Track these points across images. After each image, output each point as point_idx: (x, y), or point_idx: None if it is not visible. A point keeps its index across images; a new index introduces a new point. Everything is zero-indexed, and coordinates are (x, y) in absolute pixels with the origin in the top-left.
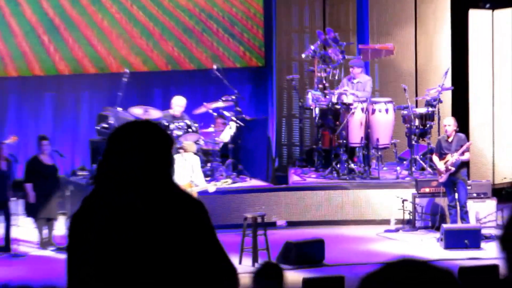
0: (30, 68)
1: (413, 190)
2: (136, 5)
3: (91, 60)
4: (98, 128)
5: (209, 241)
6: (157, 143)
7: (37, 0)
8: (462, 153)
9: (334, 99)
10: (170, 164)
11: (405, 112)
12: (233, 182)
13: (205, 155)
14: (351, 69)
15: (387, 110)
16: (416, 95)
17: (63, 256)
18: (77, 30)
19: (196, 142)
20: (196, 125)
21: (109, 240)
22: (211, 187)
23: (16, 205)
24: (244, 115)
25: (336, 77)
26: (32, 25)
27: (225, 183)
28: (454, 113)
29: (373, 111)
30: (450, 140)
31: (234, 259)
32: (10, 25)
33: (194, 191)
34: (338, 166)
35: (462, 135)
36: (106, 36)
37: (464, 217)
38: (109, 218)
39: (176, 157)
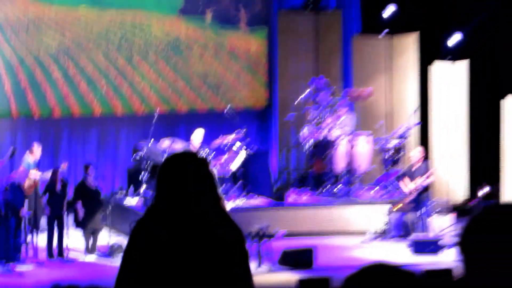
0: (73, 111)
1: (387, 207)
2: (160, 55)
3: (128, 103)
4: (133, 158)
5: (244, 263)
6: (205, 172)
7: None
8: (427, 177)
9: (324, 133)
10: (214, 185)
11: (381, 144)
12: (244, 200)
13: (220, 180)
14: (338, 109)
15: (366, 143)
16: (390, 130)
17: (105, 261)
18: (114, 81)
19: (213, 168)
20: (213, 154)
21: (167, 254)
22: (227, 205)
23: (67, 219)
24: (251, 146)
25: (326, 116)
26: (88, 75)
27: (238, 202)
28: (420, 144)
29: (355, 143)
30: (417, 166)
31: None
32: (72, 74)
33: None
34: (327, 187)
35: (426, 163)
36: (139, 83)
37: (428, 229)
38: (166, 233)
39: None
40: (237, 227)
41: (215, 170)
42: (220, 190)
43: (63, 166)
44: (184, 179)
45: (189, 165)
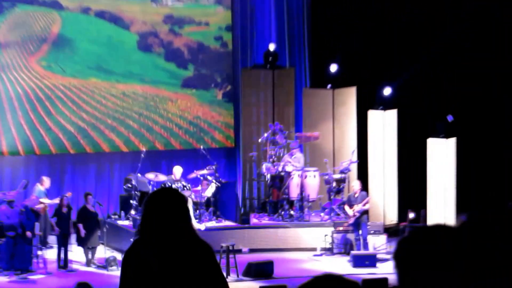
0: (79, 148)
1: (332, 228)
2: (153, 101)
3: (121, 141)
4: (125, 187)
5: (218, 271)
6: (180, 203)
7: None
8: (364, 204)
9: (280, 168)
10: (189, 217)
11: (326, 177)
12: (215, 222)
13: (195, 205)
14: (291, 149)
15: (314, 176)
16: (334, 166)
17: (102, 271)
18: (108, 123)
19: (189, 197)
20: (189, 185)
21: (155, 269)
22: (201, 227)
23: (71, 238)
24: (220, 179)
25: (281, 154)
26: (89, 119)
27: (209, 224)
28: (358, 177)
29: (305, 176)
30: (356, 195)
31: None
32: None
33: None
34: (283, 212)
35: (364, 192)
36: (129, 126)
37: (365, 246)
38: (152, 254)
39: None
40: (208, 245)
41: (192, 197)
42: (193, 214)
43: (69, 194)
44: (169, 213)
45: (172, 201)
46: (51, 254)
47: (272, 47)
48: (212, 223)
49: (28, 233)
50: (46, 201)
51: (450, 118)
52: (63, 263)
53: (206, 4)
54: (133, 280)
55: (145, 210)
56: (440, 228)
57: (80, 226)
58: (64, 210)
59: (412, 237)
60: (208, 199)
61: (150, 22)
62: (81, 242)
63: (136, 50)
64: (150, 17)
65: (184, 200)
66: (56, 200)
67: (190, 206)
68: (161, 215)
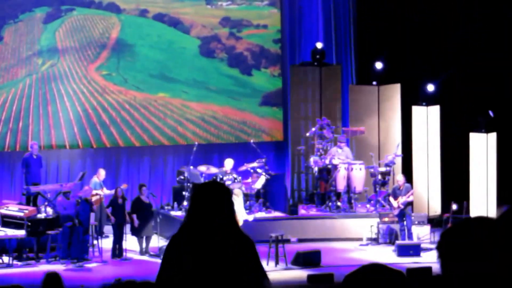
0: (133, 141)
1: (377, 219)
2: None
3: (174, 135)
4: (177, 179)
5: (257, 264)
6: (223, 197)
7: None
8: (408, 196)
9: (327, 161)
10: (232, 210)
11: (372, 170)
12: (265, 213)
13: (246, 197)
14: (338, 143)
15: (360, 169)
16: (379, 159)
17: (156, 260)
18: (159, 116)
19: (240, 188)
20: (240, 177)
21: (194, 258)
22: (250, 218)
23: (126, 227)
24: (270, 171)
25: (328, 148)
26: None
27: (258, 214)
28: (403, 171)
29: (352, 169)
30: (401, 188)
31: (264, 262)
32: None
33: (239, 220)
34: (330, 204)
35: (408, 185)
36: (184, 119)
37: (410, 236)
38: (196, 243)
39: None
40: (249, 238)
41: (243, 189)
42: (243, 205)
43: (124, 186)
44: (212, 206)
45: (215, 194)
46: (106, 243)
47: (319, 45)
48: (262, 214)
49: (91, 221)
50: (101, 192)
51: (491, 113)
52: (118, 252)
53: (260, 5)
54: (172, 268)
55: (190, 202)
56: (481, 220)
57: (134, 216)
58: (120, 201)
59: (454, 229)
60: (258, 191)
61: (209, 25)
62: (135, 231)
63: (198, 56)
64: (206, 19)
65: (228, 193)
66: (112, 191)
67: (241, 198)
68: (203, 208)
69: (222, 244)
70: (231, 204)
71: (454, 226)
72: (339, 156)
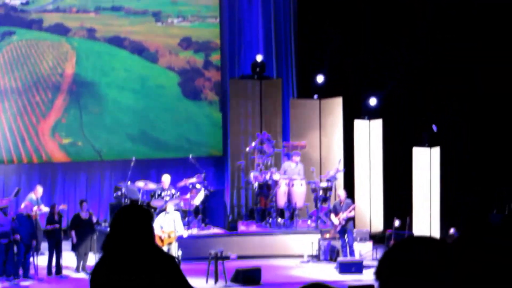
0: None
1: (319, 236)
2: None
3: (111, 151)
4: (114, 195)
5: (182, 281)
6: (144, 221)
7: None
8: (350, 212)
9: (268, 177)
10: (152, 233)
11: (313, 185)
12: (203, 230)
13: (184, 213)
14: (293, 157)
15: (301, 184)
16: (320, 175)
17: None
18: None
19: (177, 204)
20: (178, 193)
21: (116, 282)
22: (185, 233)
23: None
24: (209, 187)
25: (269, 163)
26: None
27: (198, 231)
28: (345, 186)
29: (293, 185)
30: (342, 204)
31: (202, 280)
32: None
33: (172, 237)
34: (270, 220)
35: (349, 200)
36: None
37: (351, 253)
38: (116, 270)
39: (163, 214)
40: (171, 257)
41: (181, 205)
42: (182, 221)
43: (63, 207)
44: (129, 230)
45: (132, 218)
46: (42, 260)
47: (259, 58)
48: (196, 231)
49: (17, 236)
50: (39, 208)
51: (434, 127)
52: (56, 269)
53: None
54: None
55: (110, 227)
56: (424, 240)
57: (72, 232)
58: (56, 217)
59: (396, 247)
60: (197, 206)
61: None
62: (73, 248)
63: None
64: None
65: (147, 216)
66: (48, 208)
67: (178, 214)
68: (121, 233)
69: (143, 269)
70: (149, 227)
71: (396, 244)
72: (292, 170)
